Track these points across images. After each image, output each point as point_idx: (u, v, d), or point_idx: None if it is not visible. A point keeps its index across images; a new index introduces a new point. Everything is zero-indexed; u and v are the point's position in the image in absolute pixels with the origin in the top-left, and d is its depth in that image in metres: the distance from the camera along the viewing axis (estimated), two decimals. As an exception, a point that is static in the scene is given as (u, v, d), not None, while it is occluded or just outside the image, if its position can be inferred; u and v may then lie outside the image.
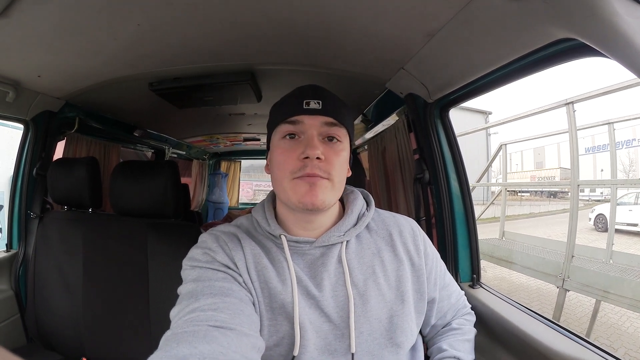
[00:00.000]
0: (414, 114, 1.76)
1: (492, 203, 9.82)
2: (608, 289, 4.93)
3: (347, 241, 0.99)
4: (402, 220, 1.11)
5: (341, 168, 0.95)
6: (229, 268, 0.89)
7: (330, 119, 0.94)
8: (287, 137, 0.94)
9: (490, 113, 26.86)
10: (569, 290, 5.40)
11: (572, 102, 5.58)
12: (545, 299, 6.58)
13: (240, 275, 0.89)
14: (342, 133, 0.96)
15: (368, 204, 1.09)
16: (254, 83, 1.94)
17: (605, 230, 11.55)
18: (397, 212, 1.17)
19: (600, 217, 13.84)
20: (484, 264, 6.97)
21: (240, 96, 2.16)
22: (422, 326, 1.11)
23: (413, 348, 1.03)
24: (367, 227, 1.06)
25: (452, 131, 1.73)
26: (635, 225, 11.85)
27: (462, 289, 1.31)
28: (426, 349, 1.14)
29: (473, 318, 1.22)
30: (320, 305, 0.91)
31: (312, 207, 0.89)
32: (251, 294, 0.88)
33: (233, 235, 0.97)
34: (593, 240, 10.03)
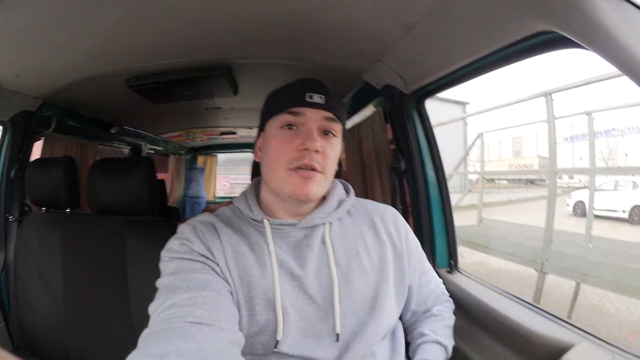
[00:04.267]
0: (390, 105, 1.78)
1: (469, 191, 9.93)
2: (588, 272, 5.02)
3: (330, 223, 1.01)
4: (384, 207, 1.15)
5: (334, 162, 0.98)
6: (207, 258, 0.89)
7: (331, 115, 0.96)
8: (286, 127, 0.95)
9: (467, 103, 27.02)
10: (548, 274, 5.46)
11: (550, 93, 5.69)
12: (525, 282, 6.60)
13: (218, 264, 0.89)
14: (338, 129, 1.00)
15: (347, 192, 1.12)
16: (230, 77, 1.94)
17: (584, 216, 11.96)
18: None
19: (579, 204, 13.89)
20: (462, 250, 7.07)
21: (217, 90, 2.17)
22: (403, 312, 1.12)
23: (393, 335, 1.06)
24: (349, 212, 1.08)
25: (429, 122, 1.75)
26: (615, 211, 12.10)
27: (440, 275, 1.34)
28: (406, 335, 1.15)
29: (452, 305, 1.25)
30: (303, 286, 0.93)
31: (306, 199, 0.93)
32: (229, 284, 0.89)
33: (210, 225, 0.97)
34: (572, 226, 9.99)
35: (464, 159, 9.56)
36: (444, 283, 1.28)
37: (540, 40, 0.97)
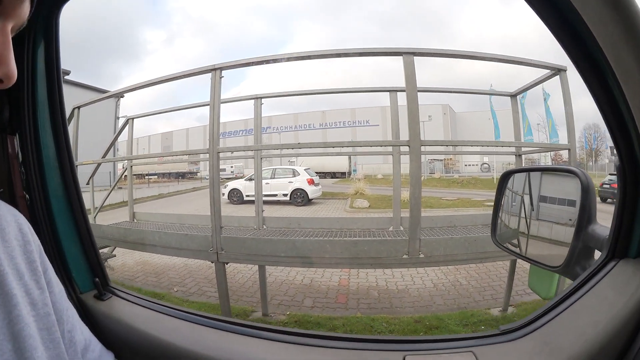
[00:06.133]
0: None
1: (115, 186, 8.97)
2: (275, 253, 4.93)
3: None
4: (4, 211, 0.62)
5: None
6: None
7: None
8: None
9: (122, 97, 26.20)
10: (227, 263, 5.10)
11: (220, 69, 5.03)
12: (198, 273, 6.84)
13: None
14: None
15: None
16: None
17: (241, 203, 16.29)
18: None
19: (234, 192, 17.35)
20: (119, 252, 6.85)
21: None
22: None
23: None
24: None
25: (57, 52, 1.13)
26: (275, 195, 16.35)
27: (85, 305, 1.05)
28: None
29: None
30: None
31: None
32: None
33: None
34: (234, 211, 12.01)
35: (112, 145, 8.34)
36: (94, 315, 1.01)
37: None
